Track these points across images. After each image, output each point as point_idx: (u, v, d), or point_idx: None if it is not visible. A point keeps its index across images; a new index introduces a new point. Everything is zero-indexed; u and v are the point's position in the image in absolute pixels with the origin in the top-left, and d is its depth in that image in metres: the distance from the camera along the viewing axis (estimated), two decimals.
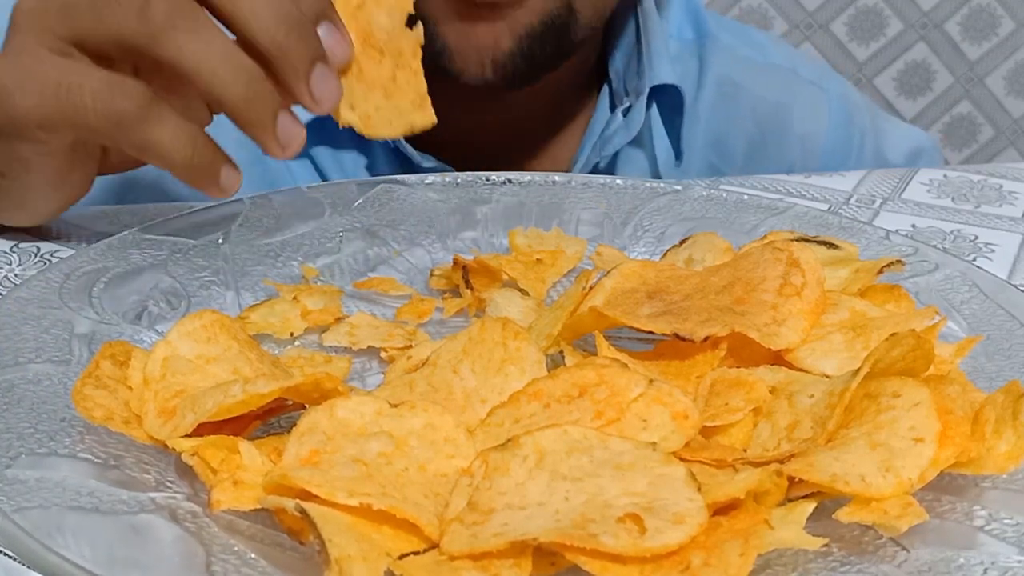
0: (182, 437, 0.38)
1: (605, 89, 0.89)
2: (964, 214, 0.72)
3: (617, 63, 0.88)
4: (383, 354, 0.50)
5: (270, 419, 0.42)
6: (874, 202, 0.74)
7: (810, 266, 0.47)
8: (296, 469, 0.36)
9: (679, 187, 0.65)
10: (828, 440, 0.38)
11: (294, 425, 0.38)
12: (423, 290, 0.57)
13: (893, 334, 0.39)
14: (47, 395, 0.42)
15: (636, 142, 0.87)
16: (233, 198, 0.56)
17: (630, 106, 0.85)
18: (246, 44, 0.48)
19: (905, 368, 0.40)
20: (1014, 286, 0.52)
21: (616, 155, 0.87)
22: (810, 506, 0.35)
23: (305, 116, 0.51)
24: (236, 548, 0.35)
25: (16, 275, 0.58)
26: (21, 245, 0.61)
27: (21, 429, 0.39)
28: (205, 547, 0.35)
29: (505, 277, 0.56)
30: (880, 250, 0.56)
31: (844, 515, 0.35)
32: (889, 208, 0.73)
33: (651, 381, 0.39)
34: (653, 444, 0.36)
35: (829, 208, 0.72)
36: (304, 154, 0.51)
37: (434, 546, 0.34)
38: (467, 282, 0.55)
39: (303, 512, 0.33)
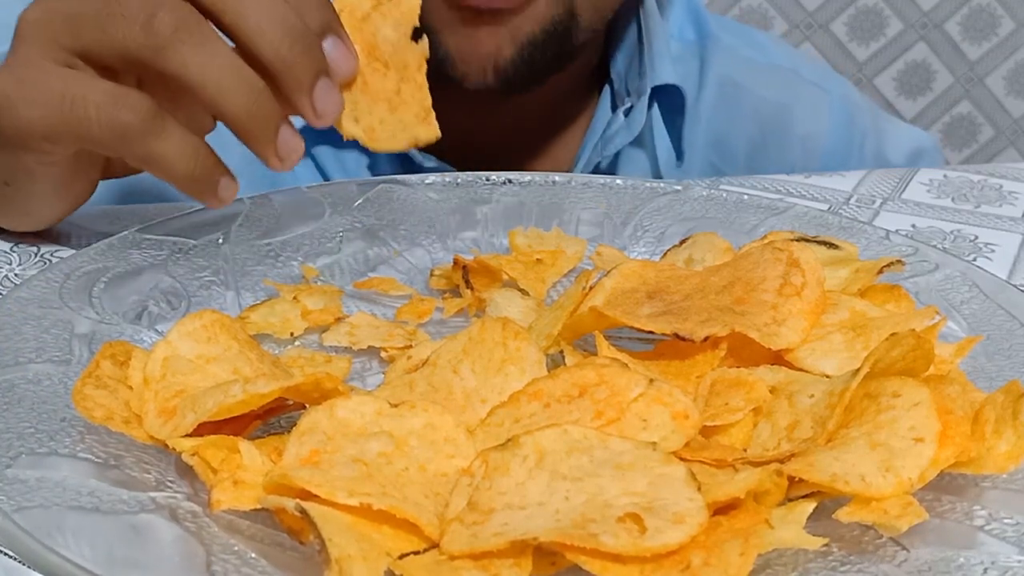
0: (182, 437, 0.38)
1: (606, 89, 0.89)
2: (964, 214, 0.72)
3: (619, 64, 0.88)
4: (383, 354, 0.50)
5: (270, 419, 0.42)
6: (874, 202, 0.74)
7: (810, 266, 0.47)
8: (296, 469, 0.36)
9: (679, 187, 0.65)
10: (828, 440, 0.38)
11: (294, 425, 0.38)
12: (423, 290, 0.57)
13: (893, 334, 0.39)
14: (47, 395, 0.42)
15: (637, 142, 0.87)
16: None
17: (631, 106, 0.85)
18: (250, 56, 0.48)
19: (905, 368, 0.40)
20: (1014, 286, 0.52)
21: (617, 155, 0.87)
22: (810, 506, 0.36)
23: None
24: (236, 548, 0.35)
25: (16, 275, 0.58)
26: (21, 245, 0.61)
27: (21, 429, 0.39)
28: (205, 547, 0.35)
29: (505, 277, 0.56)
30: (880, 250, 0.56)
31: (844, 515, 0.35)
32: (889, 208, 0.73)
33: (651, 381, 0.39)
34: (653, 444, 0.36)
35: (829, 208, 0.72)
36: (306, 153, 0.51)
37: (434, 546, 0.34)
38: (467, 282, 0.55)
39: (303, 512, 0.33)
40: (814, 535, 0.34)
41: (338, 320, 0.52)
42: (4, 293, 0.51)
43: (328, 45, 0.50)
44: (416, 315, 0.54)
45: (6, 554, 0.38)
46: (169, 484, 0.38)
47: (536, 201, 0.65)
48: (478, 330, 0.44)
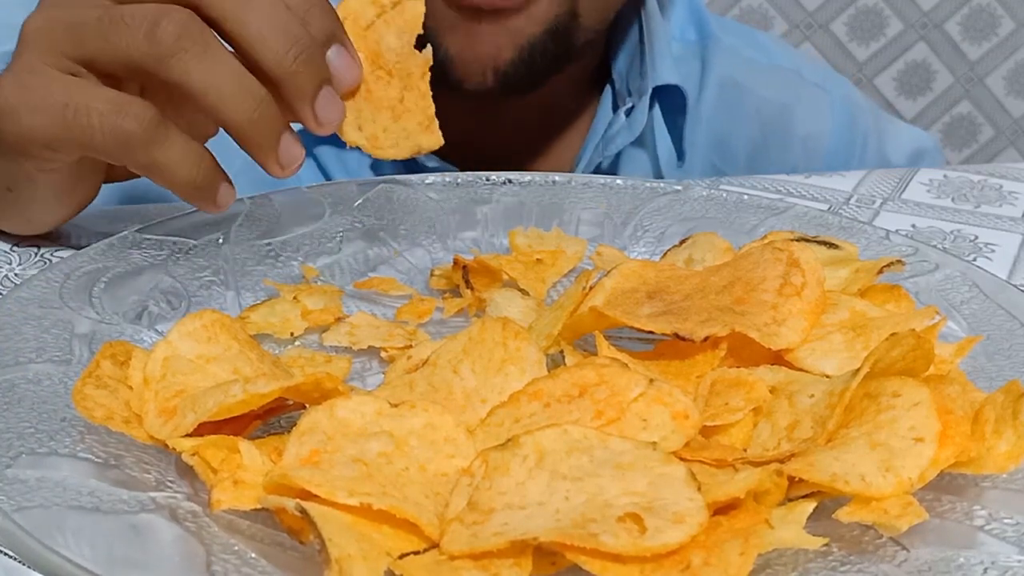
0: (182, 437, 0.38)
1: (608, 90, 0.89)
2: (964, 214, 0.72)
3: (620, 64, 0.88)
4: (383, 354, 0.50)
5: (270, 419, 0.42)
6: (874, 202, 0.74)
7: (810, 266, 0.47)
8: (296, 469, 0.36)
9: (679, 187, 0.65)
10: (828, 440, 0.38)
11: (294, 425, 0.38)
12: (423, 290, 0.57)
13: (893, 334, 0.39)
14: (47, 395, 0.42)
15: (638, 143, 0.87)
16: None
17: (633, 107, 0.85)
18: (252, 64, 0.48)
19: (905, 368, 0.40)
20: (1014, 286, 0.52)
21: (619, 155, 0.87)
22: (810, 506, 0.36)
23: None
24: (236, 548, 0.35)
25: (16, 275, 0.58)
26: (21, 245, 0.61)
27: (22, 429, 0.39)
28: (205, 547, 0.35)
29: (505, 277, 0.56)
30: (880, 250, 0.56)
31: (844, 515, 0.35)
32: (889, 208, 0.73)
33: (651, 381, 0.39)
34: (653, 444, 0.36)
35: (829, 208, 0.72)
36: (308, 154, 0.51)
37: (434, 546, 0.34)
38: (467, 282, 0.55)
39: (303, 512, 0.33)
40: (814, 535, 0.34)
41: (338, 320, 0.52)
42: (4, 293, 0.51)
43: (332, 54, 0.50)
44: (416, 315, 0.54)
45: (6, 554, 0.38)
46: (169, 484, 0.38)
47: (536, 201, 0.65)
48: (478, 330, 0.44)
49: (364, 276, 0.58)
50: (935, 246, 0.58)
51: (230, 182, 0.51)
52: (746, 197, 0.64)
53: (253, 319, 0.51)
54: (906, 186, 0.76)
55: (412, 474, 0.37)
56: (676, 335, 0.44)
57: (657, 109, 0.87)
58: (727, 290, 0.47)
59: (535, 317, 0.51)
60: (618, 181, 0.66)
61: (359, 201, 0.63)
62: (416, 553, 0.34)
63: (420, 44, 0.53)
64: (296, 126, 0.51)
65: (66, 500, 0.36)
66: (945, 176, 0.78)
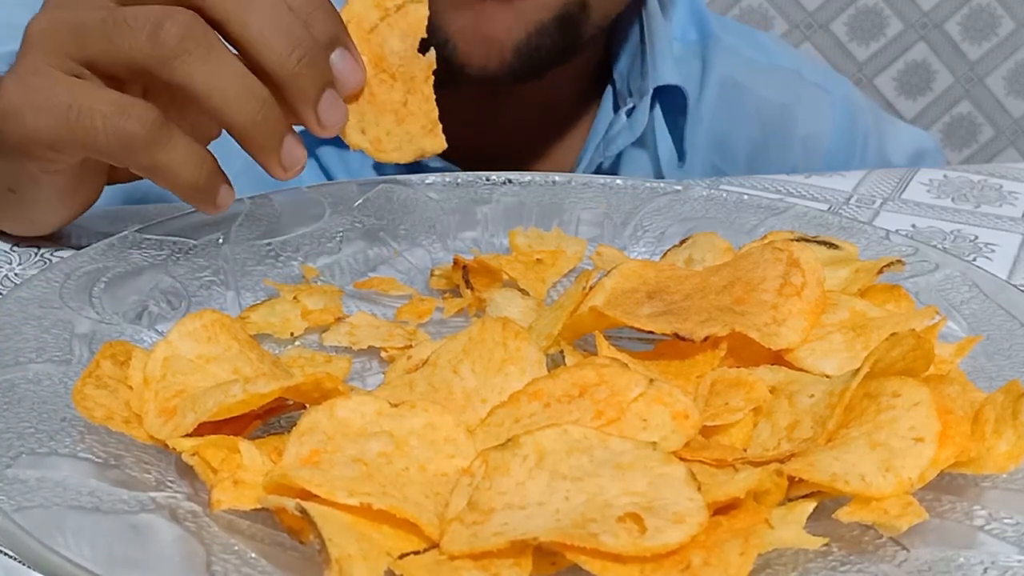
0: (182, 437, 0.38)
1: (609, 90, 0.89)
2: (964, 214, 0.72)
3: (621, 64, 0.88)
4: (383, 354, 0.50)
5: (270, 419, 0.42)
6: (874, 202, 0.74)
7: (810, 266, 0.47)
8: (296, 469, 0.36)
9: (679, 187, 0.65)
10: (828, 440, 0.38)
11: (294, 425, 0.38)
12: (423, 290, 0.57)
13: (893, 334, 0.39)
14: (48, 395, 0.42)
15: (639, 143, 0.87)
16: None
17: (634, 107, 0.85)
18: (256, 66, 0.48)
19: (905, 368, 0.40)
20: (1014, 286, 0.52)
21: (619, 156, 0.87)
22: (810, 506, 0.35)
23: None
24: (236, 548, 0.35)
25: (16, 275, 0.58)
26: (21, 245, 0.61)
27: (22, 429, 0.39)
28: (205, 547, 0.35)
29: (505, 277, 0.56)
30: (880, 250, 0.56)
31: (844, 515, 0.35)
32: (889, 208, 0.73)
33: (651, 381, 0.39)
34: (653, 444, 0.36)
35: (829, 208, 0.72)
36: (310, 154, 0.51)
37: (434, 546, 0.34)
38: (467, 282, 0.55)
39: (303, 512, 0.33)
40: (814, 535, 0.34)
41: (338, 320, 0.52)
42: (4, 293, 0.51)
43: (336, 57, 0.50)
44: (416, 315, 0.54)
45: (6, 554, 0.38)
46: (169, 484, 0.38)
47: (536, 201, 0.65)
48: (478, 330, 0.44)
49: (364, 276, 0.58)
50: (935, 246, 0.58)
51: (230, 184, 0.52)
52: (746, 197, 0.64)
53: (253, 319, 0.51)
54: (906, 186, 0.76)
55: (412, 474, 0.37)
56: (676, 335, 0.44)
57: (658, 109, 0.87)
58: (727, 290, 0.47)
59: (535, 317, 0.51)
60: (618, 181, 0.66)
61: (359, 201, 0.63)
62: (416, 553, 0.34)
63: (424, 44, 0.53)
64: (298, 128, 0.51)
65: (66, 500, 0.36)
66: (945, 176, 0.78)
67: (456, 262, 0.56)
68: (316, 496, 0.34)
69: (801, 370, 0.43)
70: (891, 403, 0.38)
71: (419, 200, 0.64)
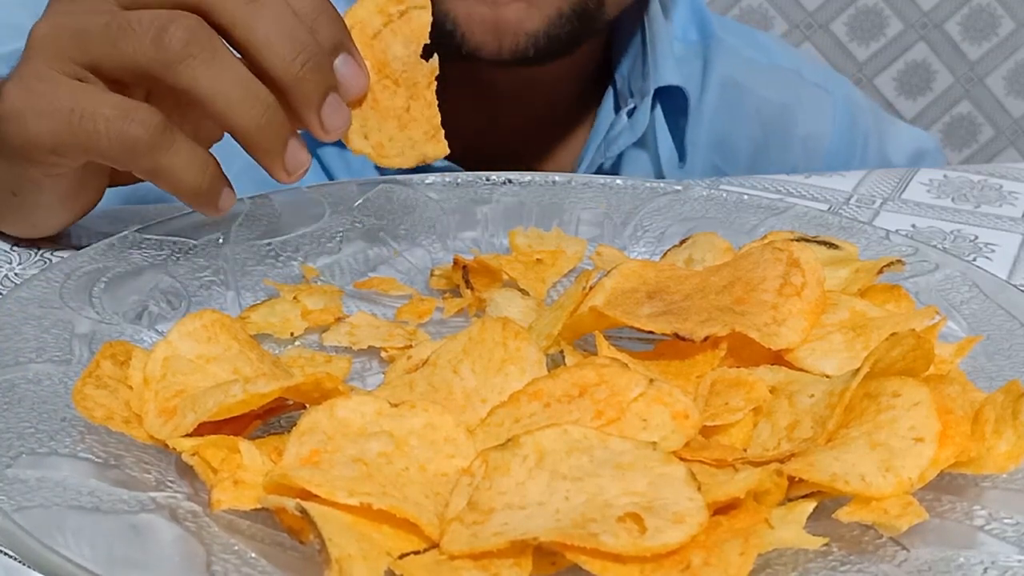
0: (182, 437, 0.38)
1: (610, 91, 0.89)
2: (964, 214, 0.72)
3: (623, 65, 0.88)
4: (383, 354, 0.50)
5: (270, 419, 0.42)
6: (874, 202, 0.74)
7: (810, 266, 0.47)
8: (296, 469, 0.36)
9: (679, 187, 0.65)
10: (828, 440, 0.38)
11: (294, 425, 0.38)
12: (423, 290, 0.57)
13: (893, 334, 0.39)
14: (48, 395, 0.42)
15: (640, 143, 0.87)
16: None
17: (635, 107, 0.85)
18: (260, 70, 0.48)
19: (905, 368, 0.40)
20: (1014, 286, 0.52)
21: (620, 156, 0.87)
22: (810, 506, 0.35)
23: None
24: (236, 548, 0.35)
25: (16, 275, 0.58)
26: (21, 245, 0.61)
27: (22, 429, 0.39)
28: (205, 547, 0.35)
29: (505, 277, 0.56)
30: (880, 250, 0.56)
31: (844, 515, 0.35)
32: (889, 208, 0.73)
33: (651, 381, 0.39)
34: (653, 444, 0.36)
35: (829, 208, 0.72)
36: (311, 154, 0.51)
37: (434, 546, 0.34)
38: (467, 282, 0.55)
39: (303, 512, 0.33)
40: (814, 535, 0.34)
41: (338, 320, 0.52)
42: (4, 293, 0.51)
43: (339, 62, 0.50)
44: (416, 315, 0.54)
45: (6, 554, 0.38)
46: (169, 484, 0.38)
47: (536, 201, 0.65)
48: (478, 330, 0.44)
49: (364, 276, 0.58)
50: (935, 246, 0.58)
51: (231, 187, 0.52)
52: (746, 197, 0.64)
53: (253, 319, 0.51)
54: (906, 186, 0.76)
55: (412, 474, 0.37)
56: (676, 335, 0.44)
57: (659, 110, 0.87)
58: (727, 290, 0.47)
59: (535, 317, 0.51)
60: (618, 181, 0.66)
61: (359, 201, 0.63)
62: (416, 553, 0.34)
63: (426, 52, 0.53)
64: (300, 130, 0.51)
65: (66, 500, 0.36)
66: (945, 176, 0.78)
67: (456, 262, 0.56)
68: (316, 496, 0.34)
69: (801, 370, 0.43)
70: (891, 403, 0.38)
71: (419, 200, 0.64)
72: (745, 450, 0.40)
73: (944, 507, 0.38)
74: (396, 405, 0.38)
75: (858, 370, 0.38)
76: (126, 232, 0.55)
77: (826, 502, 0.36)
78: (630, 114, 0.85)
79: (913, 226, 0.70)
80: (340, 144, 0.52)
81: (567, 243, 0.61)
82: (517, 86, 0.83)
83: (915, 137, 1.01)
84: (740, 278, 0.48)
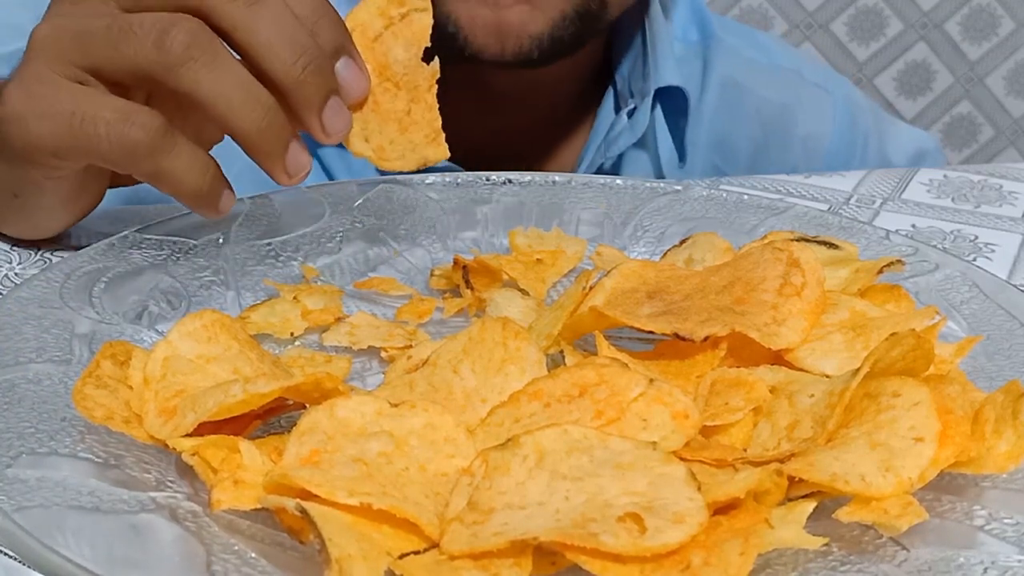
0: (182, 437, 0.38)
1: (610, 91, 0.89)
2: (964, 214, 0.72)
3: (623, 66, 0.88)
4: (383, 354, 0.50)
5: (270, 419, 0.42)
6: (874, 202, 0.74)
7: (810, 266, 0.47)
8: (296, 469, 0.36)
9: (679, 187, 0.65)
10: (828, 440, 0.38)
11: (294, 425, 0.38)
12: (423, 290, 0.57)
13: (893, 334, 0.39)
14: (48, 395, 0.42)
15: (640, 144, 0.87)
16: None
17: (635, 108, 0.85)
18: (261, 73, 0.48)
19: (905, 368, 0.40)
20: (1014, 286, 0.52)
21: (620, 157, 0.87)
22: (810, 506, 0.36)
23: None
24: (236, 547, 0.35)
25: (16, 274, 0.58)
26: (21, 245, 0.61)
27: (22, 428, 0.39)
28: (205, 546, 0.35)
29: (505, 277, 0.56)
30: (880, 250, 0.56)
31: (844, 515, 0.35)
32: (889, 208, 0.73)
33: (651, 381, 0.39)
34: (653, 444, 0.36)
35: (829, 208, 0.72)
36: (312, 154, 0.52)
37: (434, 546, 0.34)
38: (467, 282, 0.55)
39: (303, 512, 0.33)
40: (814, 535, 0.34)
41: (338, 320, 0.52)
42: (4, 293, 0.51)
43: (340, 65, 0.50)
44: (416, 315, 0.54)
45: (6, 554, 0.38)
46: (169, 484, 0.38)
47: (536, 201, 0.65)
48: (478, 330, 0.44)
49: (364, 276, 0.58)
50: (935, 246, 0.58)
51: (232, 189, 0.52)
52: (746, 197, 0.64)
53: (253, 319, 0.51)
54: (906, 186, 0.76)
55: (412, 474, 0.37)
56: (676, 335, 0.44)
57: (659, 110, 0.87)
58: (727, 290, 0.47)
59: (535, 317, 0.51)
60: (618, 181, 0.66)
61: (359, 201, 0.63)
62: (416, 553, 0.34)
63: (427, 55, 0.53)
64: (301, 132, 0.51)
65: (66, 500, 0.36)
66: (945, 176, 0.78)
67: (456, 262, 0.56)
68: (316, 496, 0.34)
69: (801, 370, 0.43)
70: (891, 403, 0.38)
71: (419, 200, 0.64)
72: (745, 450, 0.40)
73: (944, 507, 0.38)
74: (396, 405, 0.38)
75: (858, 370, 0.38)
76: (126, 232, 0.55)
77: (826, 502, 0.36)
78: (630, 114, 0.85)
79: (913, 226, 0.70)
80: (341, 145, 0.52)
81: (567, 243, 0.61)
82: (518, 88, 0.83)
83: (915, 137, 1.01)
84: (740, 278, 0.48)
